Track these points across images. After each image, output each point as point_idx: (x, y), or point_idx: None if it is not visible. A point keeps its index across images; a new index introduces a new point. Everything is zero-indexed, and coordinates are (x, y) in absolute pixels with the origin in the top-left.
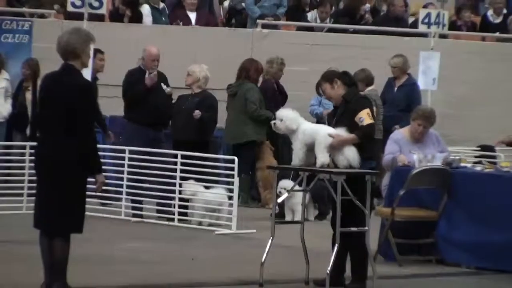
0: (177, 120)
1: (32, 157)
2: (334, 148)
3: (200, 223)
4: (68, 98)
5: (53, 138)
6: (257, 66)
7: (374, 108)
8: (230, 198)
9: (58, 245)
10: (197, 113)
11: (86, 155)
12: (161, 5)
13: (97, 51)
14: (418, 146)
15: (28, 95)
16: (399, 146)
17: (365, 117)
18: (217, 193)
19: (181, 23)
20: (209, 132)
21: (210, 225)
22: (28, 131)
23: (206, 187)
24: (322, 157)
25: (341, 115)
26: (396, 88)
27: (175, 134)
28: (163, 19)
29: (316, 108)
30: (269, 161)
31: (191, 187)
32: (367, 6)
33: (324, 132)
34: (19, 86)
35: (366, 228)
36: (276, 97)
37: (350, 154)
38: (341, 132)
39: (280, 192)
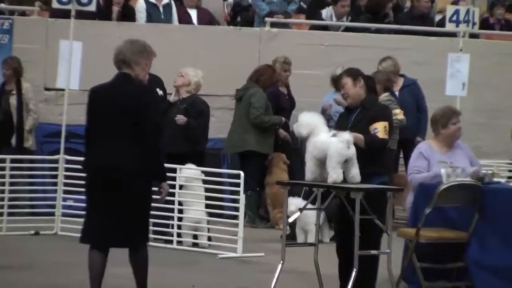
0: (165, 131)
1: (13, 172)
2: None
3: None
4: (133, 106)
5: (119, 148)
6: (273, 73)
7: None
8: (235, 217)
9: (144, 255)
10: (179, 118)
11: (155, 164)
12: (164, 0)
13: None
14: (448, 156)
15: (13, 100)
16: (427, 160)
17: (380, 129)
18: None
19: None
20: (200, 142)
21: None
22: (14, 142)
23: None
24: (334, 174)
25: (359, 121)
26: (397, 93)
27: (166, 147)
28: (162, 17)
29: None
30: (279, 176)
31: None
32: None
33: (336, 146)
34: (1, 89)
35: (388, 251)
36: (282, 103)
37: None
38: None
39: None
